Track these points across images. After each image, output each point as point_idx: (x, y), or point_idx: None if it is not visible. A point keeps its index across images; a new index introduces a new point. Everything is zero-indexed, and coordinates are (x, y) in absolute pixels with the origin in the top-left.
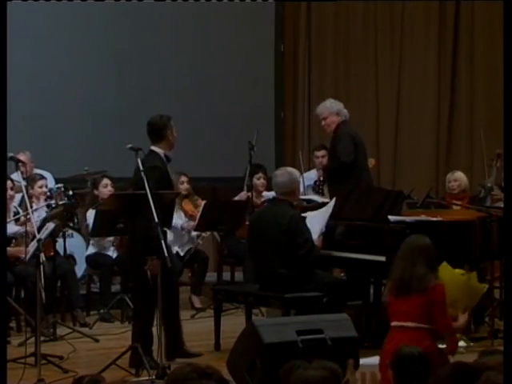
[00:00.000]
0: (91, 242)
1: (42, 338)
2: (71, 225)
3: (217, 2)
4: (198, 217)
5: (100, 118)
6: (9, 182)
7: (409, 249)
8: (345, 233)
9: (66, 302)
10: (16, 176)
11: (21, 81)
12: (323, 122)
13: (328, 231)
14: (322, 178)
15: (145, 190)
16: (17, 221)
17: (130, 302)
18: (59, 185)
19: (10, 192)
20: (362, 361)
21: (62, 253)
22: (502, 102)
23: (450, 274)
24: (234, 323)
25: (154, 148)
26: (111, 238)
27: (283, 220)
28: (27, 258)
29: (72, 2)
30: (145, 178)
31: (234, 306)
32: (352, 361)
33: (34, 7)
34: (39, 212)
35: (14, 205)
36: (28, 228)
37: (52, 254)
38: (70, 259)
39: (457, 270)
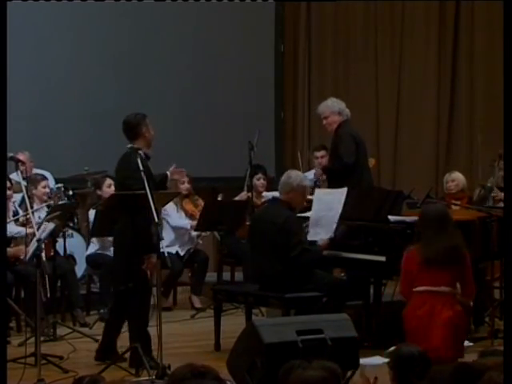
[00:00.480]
0: (92, 239)
1: (42, 338)
2: (71, 225)
3: (217, 2)
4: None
5: (100, 118)
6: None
7: (435, 218)
8: (345, 233)
9: (66, 302)
10: (15, 176)
11: (21, 81)
12: (324, 121)
13: None
14: (320, 178)
15: (144, 189)
16: (16, 221)
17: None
18: (59, 185)
19: (7, 192)
20: (362, 361)
21: (62, 253)
22: (502, 102)
23: None
24: (234, 323)
25: (131, 145)
26: (111, 238)
27: (279, 220)
28: (27, 257)
29: (72, 2)
30: (144, 178)
31: (233, 306)
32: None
33: (34, 7)
34: (40, 212)
35: (12, 204)
36: (28, 229)
37: (52, 253)
38: (70, 259)
39: None
